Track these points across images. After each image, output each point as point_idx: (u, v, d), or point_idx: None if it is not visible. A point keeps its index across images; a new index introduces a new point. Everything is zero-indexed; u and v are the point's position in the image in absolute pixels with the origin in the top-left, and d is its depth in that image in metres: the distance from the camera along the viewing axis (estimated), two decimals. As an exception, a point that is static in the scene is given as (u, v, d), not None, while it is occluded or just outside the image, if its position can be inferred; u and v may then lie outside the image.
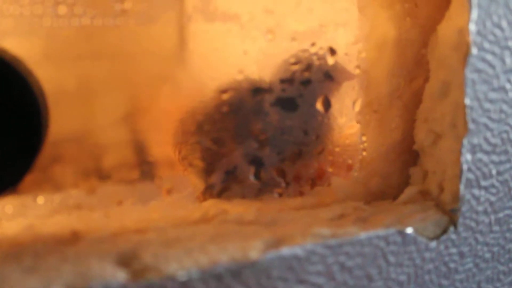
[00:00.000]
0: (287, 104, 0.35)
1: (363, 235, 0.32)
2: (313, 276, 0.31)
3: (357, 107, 0.37)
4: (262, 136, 0.34)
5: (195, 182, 0.34)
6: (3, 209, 0.31)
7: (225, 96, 0.34)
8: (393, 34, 0.37)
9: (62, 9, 0.30)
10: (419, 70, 0.37)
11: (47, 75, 0.30)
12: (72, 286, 0.26)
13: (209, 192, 0.35)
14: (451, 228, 0.34)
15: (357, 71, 0.37)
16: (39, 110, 0.30)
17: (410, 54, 0.37)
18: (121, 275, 0.27)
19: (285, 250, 0.30)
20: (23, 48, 0.30)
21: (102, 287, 0.26)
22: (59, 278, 0.26)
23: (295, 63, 0.35)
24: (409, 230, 0.33)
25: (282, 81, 0.34)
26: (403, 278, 0.34)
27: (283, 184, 0.36)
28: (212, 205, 0.34)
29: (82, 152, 0.34)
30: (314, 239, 0.31)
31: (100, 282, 0.26)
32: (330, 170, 0.37)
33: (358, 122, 0.37)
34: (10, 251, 0.29)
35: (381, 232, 0.32)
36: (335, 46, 0.36)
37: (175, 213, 0.34)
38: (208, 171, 0.34)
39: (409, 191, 0.37)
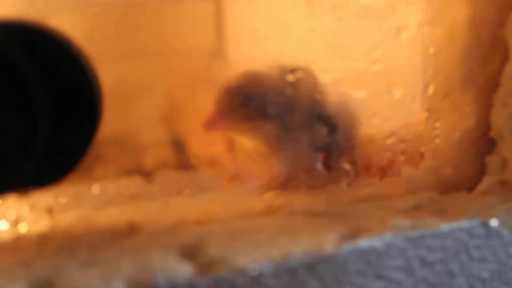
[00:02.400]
0: (355, 86, 0.32)
1: (445, 227, 0.29)
2: (392, 271, 0.28)
3: (429, 92, 0.35)
4: (330, 121, 0.32)
5: (258, 171, 0.32)
6: (56, 200, 0.29)
7: (290, 78, 0.31)
8: (466, 13, 0.35)
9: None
10: (496, 52, 0.35)
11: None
12: (134, 280, 0.24)
13: (273, 181, 0.32)
14: (538, 220, 0.31)
15: (429, 52, 0.34)
16: (94, 93, 0.28)
17: (485, 35, 0.35)
18: (187, 269, 0.25)
19: (363, 242, 0.27)
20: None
21: (167, 281, 0.24)
22: (119, 271, 0.24)
23: (363, 42, 0.32)
24: (494, 223, 0.30)
25: (350, 62, 0.32)
26: (486, 274, 0.31)
27: (352, 174, 0.33)
28: (276, 196, 0.32)
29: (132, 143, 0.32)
30: (393, 230, 0.28)
31: (165, 276, 0.24)
32: (401, 158, 0.35)
33: (430, 107, 0.35)
34: (64, 244, 0.28)
35: (464, 224, 0.30)
36: (405, 25, 0.33)
37: (237, 204, 0.31)
38: (272, 159, 0.32)
39: (487, 181, 0.35)
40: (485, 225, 0.30)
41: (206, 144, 0.32)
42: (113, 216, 0.30)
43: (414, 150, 0.35)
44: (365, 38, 0.32)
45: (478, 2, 0.34)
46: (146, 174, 0.30)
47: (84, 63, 0.28)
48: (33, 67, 0.25)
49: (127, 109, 0.32)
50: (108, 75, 0.29)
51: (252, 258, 0.25)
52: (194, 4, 0.32)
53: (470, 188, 0.35)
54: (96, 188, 0.30)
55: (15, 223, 0.29)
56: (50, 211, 0.29)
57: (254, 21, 0.32)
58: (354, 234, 0.28)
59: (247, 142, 0.31)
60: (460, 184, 0.36)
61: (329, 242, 0.27)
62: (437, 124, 0.35)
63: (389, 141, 0.34)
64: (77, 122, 0.28)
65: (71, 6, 0.28)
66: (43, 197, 0.29)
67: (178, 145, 0.33)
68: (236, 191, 0.32)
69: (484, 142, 0.35)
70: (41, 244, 0.28)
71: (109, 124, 0.30)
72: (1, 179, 0.24)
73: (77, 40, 0.28)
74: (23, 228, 0.29)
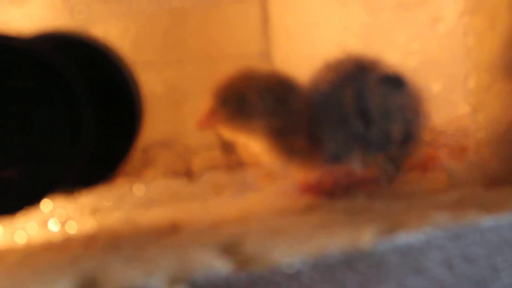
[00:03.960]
0: (394, 81, 0.32)
1: (486, 222, 0.29)
2: (431, 266, 0.28)
3: (470, 83, 0.34)
4: (367, 118, 0.32)
5: (296, 169, 0.32)
6: (102, 201, 0.30)
7: (327, 75, 0.31)
8: (507, 1, 0.34)
9: None
10: None
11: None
12: (175, 275, 0.25)
13: (312, 179, 0.32)
14: None
15: (468, 42, 0.33)
16: (134, 97, 0.29)
17: None
18: (225, 265, 0.25)
19: (401, 238, 0.27)
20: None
21: (206, 277, 0.24)
22: (160, 268, 0.25)
23: (399, 35, 0.32)
24: None
25: (387, 56, 0.32)
26: None
27: (392, 169, 0.33)
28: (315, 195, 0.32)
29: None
30: (433, 225, 0.28)
31: (204, 272, 0.25)
32: (442, 153, 0.34)
33: (472, 99, 0.34)
34: (109, 242, 0.29)
35: (506, 218, 0.29)
36: (442, 16, 0.33)
37: (276, 203, 0.32)
38: (310, 157, 0.32)
39: None
40: None
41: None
42: (156, 215, 0.31)
43: (456, 144, 0.35)
44: (400, 30, 0.32)
45: None
46: (189, 175, 0.31)
47: (124, 69, 0.29)
48: (77, 74, 0.26)
49: (175, 112, 0.33)
50: (157, 80, 0.30)
51: (289, 255, 0.26)
52: (239, 7, 0.32)
53: None
54: (140, 189, 0.31)
55: (63, 222, 0.30)
56: (96, 211, 0.30)
57: (295, 21, 0.33)
58: (393, 229, 0.28)
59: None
60: (507, 178, 0.35)
61: (366, 238, 0.27)
62: (480, 117, 0.34)
63: (430, 135, 0.34)
64: (119, 125, 0.29)
65: (115, 15, 0.29)
66: (89, 198, 0.30)
67: (226, 147, 0.34)
68: (275, 190, 0.32)
69: None
70: (88, 242, 0.29)
71: (159, 127, 0.31)
72: (50, 180, 0.26)
73: (125, 47, 0.29)
74: (70, 227, 0.30)
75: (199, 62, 0.33)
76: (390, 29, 0.32)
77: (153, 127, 0.30)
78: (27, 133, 0.25)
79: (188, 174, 0.31)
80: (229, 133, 0.31)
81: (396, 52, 0.33)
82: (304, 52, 0.31)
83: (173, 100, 0.33)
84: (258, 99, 0.30)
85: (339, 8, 0.31)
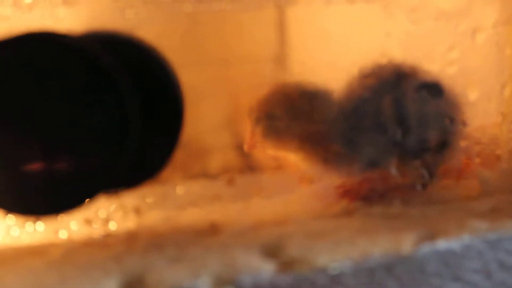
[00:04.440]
0: (431, 89, 0.32)
1: None
2: (469, 273, 0.28)
3: (507, 92, 0.34)
4: (405, 125, 0.32)
5: (334, 174, 0.33)
6: (144, 200, 0.31)
7: (366, 81, 0.32)
8: None
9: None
10: None
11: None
12: (220, 276, 0.25)
13: (349, 184, 0.33)
14: None
15: (507, 53, 0.34)
16: (179, 100, 0.30)
17: None
18: (269, 267, 0.25)
19: (441, 244, 0.27)
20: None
21: (251, 278, 0.25)
22: (206, 268, 0.25)
23: (439, 44, 0.32)
24: None
25: (426, 64, 0.32)
26: None
27: (427, 176, 0.33)
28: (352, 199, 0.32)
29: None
30: (471, 232, 0.28)
31: (249, 273, 0.25)
32: (476, 161, 0.34)
33: (506, 109, 0.34)
34: (151, 241, 0.29)
35: None
36: (480, 26, 0.33)
37: (314, 206, 0.32)
38: (348, 163, 0.32)
39: None
40: None
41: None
42: (195, 216, 0.31)
43: (489, 153, 0.35)
44: (441, 40, 0.32)
45: None
46: (228, 179, 0.31)
47: (168, 70, 0.29)
48: (125, 74, 0.27)
49: (194, 114, 0.33)
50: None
51: (331, 258, 0.26)
52: (256, 11, 0.32)
53: None
54: (179, 190, 0.32)
55: (105, 221, 0.31)
56: (137, 210, 0.31)
57: (312, 28, 0.33)
58: (432, 235, 0.28)
59: (294, 157, 0.32)
60: None
61: (407, 243, 0.27)
62: (514, 126, 0.35)
63: (465, 143, 0.34)
64: (163, 126, 0.29)
65: (158, 17, 0.30)
66: (131, 198, 0.31)
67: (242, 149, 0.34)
68: (312, 193, 0.32)
69: None
70: (130, 241, 0.30)
71: (192, 136, 0.31)
72: (98, 179, 0.26)
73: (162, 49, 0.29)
74: (113, 226, 0.31)
75: (215, 66, 0.33)
76: (430, 38, 0.32)
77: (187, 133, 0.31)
78: (77, 131, 0.26)
79: (227, 177, 0.32)
80: (270, 150, 0.32)
81: (435, 61, 0.33)
82: (320, 59, 0.32)
83: (190, 101, 0.33)
84: (286, 113, 0.31)
85: (382, 14, 0.32)
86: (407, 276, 0.27)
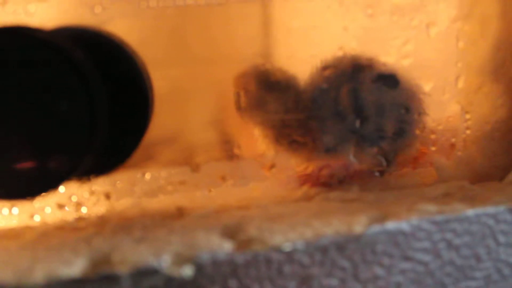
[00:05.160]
0: (388, 80, 0.34)
1: (471, 212, 0.31)
2: (419, 253, 0.30)
3: (460, 84, 0.36)
4: (362, 114, 0.34)
5: (295, 161, 0.35)
6: (114, 185, 0.32)
7: (325, 73, 0.34)
8: (497, 7, 0.36)
9: None
10: None
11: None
12: (181, 254, 0.27)
13: (309, 170, 0.35)
14: None
15: (459, 46, 0.36)
16: (146, 91, 0.31)
17: None
18: (227, 246, 0.27)
19: (391, 225, 0.29)
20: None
21: (209, 256, 0.27)
22: (168, 247, 0.27)
23: (395, 38, 0.34)
24: None
25: (382, 57, 0.34)
26: None
27: (384, 163, 0.35)
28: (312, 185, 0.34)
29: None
30: (420, 214, 0.30)
31: (208, 252, 0.27)
32: (432, 149, 0.36)
33: (461, 100, 0.36)
34: (119, 225, 0.31)
35: (490, 209, 0.31)
36: (436, 21, 0.35)
37: (276, 192, 0.34)
38: (308, 150, 0.34)
39: None
40: None
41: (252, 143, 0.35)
42: (163, 202, 0.33)
43: (445, 141, 0.37)
44: (396, 34, 0.34)
45: None
46: (193, 166, 0.33)
47: (138, 65, 0.31)
48: (93, 68, 0.28)
49: (178, 110, 0.35)
50: (159, 78, 0.32)
51: (286, 238, 0.28)
52: (241, 7, 0.34)
53: (502, 178, 0.37)
54: (148, 176, 0.33)
55: (77, 206, 0.32)
56: (107, 196, 0.32)
57: (297, 22, 0.35)
58: (383, 217, 0.30)
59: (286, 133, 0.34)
60: (492, 174, 0.37)
61: (359, 224, 0.29)
62: (468, 116, 0.37)
63: (420, 132, 0.36)
64: (131, 117, 0.31)
65: (126, 12, 0.31)
66: (101, 184, 0.32)
67: (227, 145, 0.36)
68: (276, 180, 0.34)
69: None
70: (100, 224, 0.31)
71: (161, 125, 0.33)
72: (68, 167, 0.28)
73: (132, 44, 0.31)
74: (84, 211, 0.32)
75: (200, 62, 0.34)
76: (385, 32, 0.34)
77: (156, 124, 0.32)
78: (47, 123, 0.27)
79: (192, 165, 0.33)
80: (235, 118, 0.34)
81: (390, 54, 0.35)
82: (304, 53, 0.34)
83: (176, 98, 0.35)
84: (260, 94, 0.33)
85: (340, 11, 0.33)
86: (358, 255, 0.29)
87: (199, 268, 0.27)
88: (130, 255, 0.27)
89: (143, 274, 0.26)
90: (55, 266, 0.26)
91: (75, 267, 0.26)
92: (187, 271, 0.26)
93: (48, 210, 0.32)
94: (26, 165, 0.27)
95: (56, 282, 0.25)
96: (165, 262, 0.26)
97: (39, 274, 0.26)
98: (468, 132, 0.37)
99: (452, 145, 0.37)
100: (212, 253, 0.27)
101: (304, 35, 0.33)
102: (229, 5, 0.32)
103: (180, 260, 0.26)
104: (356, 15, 0.33)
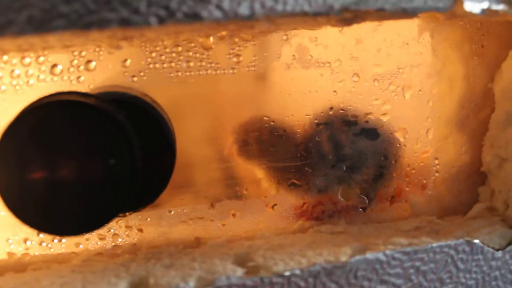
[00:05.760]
0: (370, 133, 0.41)
1: (435, 244, 0.37)
2: (392, 278, 0.37)
3: (430, 135, 0.43)
4: (348, 161, 0.41)
5: (293, 199, 0.42)
6: (145, 220, 0.39)
7: (318, 128, 0.41)
8: (462, 71, 0.42)
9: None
10: (486, 102, 0.42)
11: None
12: (203, 278, 0.34)
13: (305, 207, 0.42)
14: (516, 240, 0.38)
15: (430, 104, 0.42)
16: (172, 144, 0.38)
17: (478, 88, 0.42)
18: (240, 271, 0.34)
19: (370, 255, 0.36)
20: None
21: (225, 280, 0.33)
22: (192, 272, 0.34)
23: (376, 99, 0.41)
24: (477, 241, 0.38)
25: (365, 114, 0.41)
26: (471, 282, 0.38)
27: (367, 201, 0.42)
28: (306, 220, 0.41)
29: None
30: (394, 246, 0.37)
31: (224, 277, 0.34)
32: (407, 188, 0.43)
33: (431, 147, 0.43)
34: (150, 252, 0.37)
35: (451, 241, 0.37)
36: (410, 84, 0.42)
37: (277, 225, 0.41)
38: (304, 190, 0.41)
39: (477, 208, 0.42)
40: (470, 243, 0.38)
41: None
42: (184, 232, 0.40)
43: (417, 182, 0.43)
44: (377, 96, 0.41)
45: (472, 62, 0.42)
46: (210, 204, 0.40)
47: (166, 121, 0.38)
48: (130, 123, 0.35)
49: (197, 160, 0.40)
50: (183, 135, 0.39)
51: (286, 265, 0.35)
52: (249, 74, 0.39)
53: (467, 213, 0.42)
54: (172, 213, 0.40)
55: (115, 237, 0.39)
56: (139, 229, 0.39)
57: (294, 87, 0.41)
58: (364, 249, 0.36)
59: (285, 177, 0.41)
60: (458, 209, 0.43)
61: (344, 254, 0.36)
62: (437, 161, 0.43)
63: (397, 174, 0.43)
64: (159, 165, 0.38)
65: (158, 80, 0.38)
66: (134, 219, 0.39)
67: (237, 187, 0.42)
68: (276, 214, 0.41)
69: (478, 175, 0.42)
70: (133, 251, 0.38)
71: (183, 172, 0.39)
72: (113, 209, 0.34)
73: (161, 104, 0.38)
74: (120, 241, 0.39)
75: (215, 119, 0.40)
76: (368, 95, 0.41)
77: (180, 170, 0.38)
78: (97, 175, 0.33)
79: (208, 204, 0.40)
80: (244, 165, 0.40)
81: (373, 112, 0.42)
82: (301, 112, 0.40)
83: (195, 150, 0.40)
84: (265, 146, 0.40)
85: (331, 78, 0.40)
86: (343, 279, 0.35)
87: (217, 289, 0.33)
88: (163, 279, 0.34)
89: (174, 294, 0.33)
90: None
91: (119, 288, 0.33)
92: (209, 292, 0.33)
93: (90, 239, 0.39)
94: (82, 207, 0.33)
95: (105, 300, 0.32)
96: (191, 285, 0.33)
97: (92, 294, 0.32)
98: (437, 174, 0.43)
99: (424, 185, 0.43)
100: (228, 278, 0.34)
101: (301, 98, 0.40)
102: (239, 73, 0.39)
103: (203, 283, 0.33)
104: (344, 81, 0.41)
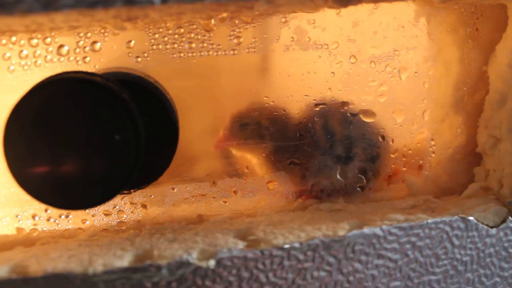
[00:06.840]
0: (367, 114, 0.42)
1: (430, 220, 0.38)
2: (389, 252, 0.38)
3: (426, 117, 0.44)
4: (347, 141, 0.42)
5: (293, 178, 0.43)
6: (149, 197, 0.40)
7: (317, 109, 0.42)
8: (457, 54, 0.43)
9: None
10: (480, 84, 0.43)
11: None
12: (205, 251, 0.35)
13: (304, 187, 0.43)
14: (510, 218, 0.39)
15: (426, 86, 0.43)
16: (175, 123, 0.39)
17: (472, 71, 0.43)
18: (240, 245, 0.35)
19: (367, 230, 0.37)
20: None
21: (227, 252, 0.35)
22: (195, 245, 0.35)
23: (373, 81, 0.42)
24: (472, 218, 0.39)
25: (363, 95, 0.42)
26: (466, 259, 0.39)
27: (364, 181, 0.43)
28: (306, 198, 0.42)
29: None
30: (390, 222, 0.38)
31: (226, 249, 0.35)
32: (404, 169, 0.44)
33: (427, 129, 0.44)
34: (154, 228, 0.39)
35: (446, 218, 0.38)
36: (406, 66, 0.43)
37: (277, 203, 0.42)
38: (303, 169, 0.42)
39: (473, 187, 0.43)
40: (465, 220, 0.39)
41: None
42: (187, 210, 0.41)
43: (414, 163, 0.44)
44: (373, 77, 0.42)
45: (466, 45, 0.42)
46: (212, 182, 0.41)
47: (169, 101, 0.39)
48: (135, 103, 0.36)
49: (199, 139, 0.41)
50: (185, 114, 0.39)
51: (286, 239, 0.36)
52: (248, 56, 0.40)
53: (462, 192, 0.43)
54: (175, 190, 0.41)
55: (120, 213, 0.40)
56: (144, 206, 0.40)
57: (292, 68, 0.42)
58: (361, 224, 0.38)
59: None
60: (454, 189, 0.44)
61: (342, 229, 0.37)
62: (433, 142, 0.44)
63: (394, 155, 0.44)
64: (163, 143, 0.39)
65: (161, 60, 0.39)
66: (139, 196, 0.40)
67: (238, 166, 0.43)
68: (277, 193, 0.42)
69: (473, 155, 0.43)
70: (137, 228, 0.39)
71: (186, 150, 0.40)
72: (118, 183, 0.35)
73: (164, 85, 0.39)
74: (125, 217, 0.40)
75: (216, 99, 0.40)
76: (365, 76, 0.42)
77: (183, 148, 0.39)
78: (103, 150, 0.34)
79: (210, 181, 0.41)
80: (239, 153, 0.41)
81: (369, 94, 0.43)
82: (300, 93, 0.41)
83: (197, 129, 0.40)
84: (265, 126, 0.41)
85: (329, 60, 0.41)
86: (341, 253, 0.37)
87: (219, 261, 0.34)
88: (167, 252, 0.35)
89: (177, 265, 0.34)
90: (109, 259, 0.34)
91: (125, 260, 0.34)
92: (211, 263, 0.34)
93: (96, 216, 0.40)
94: (87, 182, 0.34)
95: (111, 270, 0.33)
96: (194, 256, 0.34)
97: (98, 264, 0.33)
98: (433, 155, 0.44)
99: (420, 166, 0.44)
100: (229, 250, 0.35)
101: (300, 79, 0.41)
102: (240, 54, 0.40)
103: (205, 255, 0.34)
104: (342, 63, 0.42)
